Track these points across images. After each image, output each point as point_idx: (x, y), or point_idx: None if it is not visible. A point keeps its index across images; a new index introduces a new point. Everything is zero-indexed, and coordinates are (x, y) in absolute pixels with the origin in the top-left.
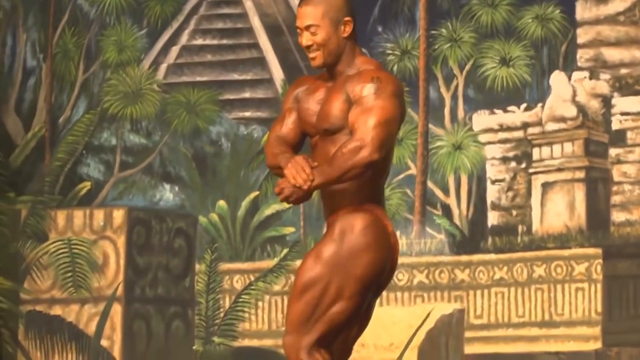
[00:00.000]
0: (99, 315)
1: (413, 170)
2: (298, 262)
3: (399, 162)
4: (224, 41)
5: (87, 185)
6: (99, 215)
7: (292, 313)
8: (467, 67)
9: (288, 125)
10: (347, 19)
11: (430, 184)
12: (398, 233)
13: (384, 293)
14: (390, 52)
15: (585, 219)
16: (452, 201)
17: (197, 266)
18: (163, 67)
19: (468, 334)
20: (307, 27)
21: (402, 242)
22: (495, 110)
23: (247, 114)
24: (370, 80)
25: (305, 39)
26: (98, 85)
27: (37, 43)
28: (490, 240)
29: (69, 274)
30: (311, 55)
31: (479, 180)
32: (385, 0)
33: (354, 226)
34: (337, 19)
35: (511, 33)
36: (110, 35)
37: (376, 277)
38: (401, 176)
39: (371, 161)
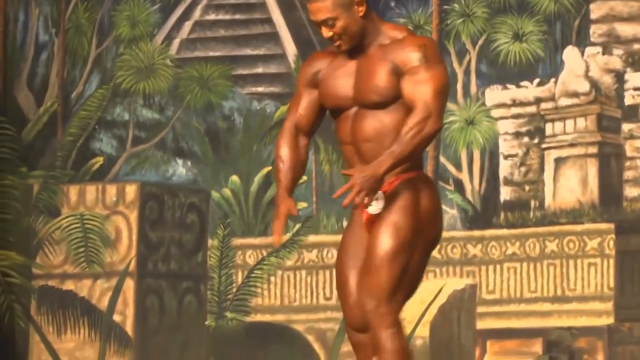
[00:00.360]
0: (112, 291)
1: None
2: (310, 237)
3: None
4: (237, 16)
5: (99, 160)
6: (112, 190)
7: (384, 280)
8: (480, 42)
9: (301, 112)
10: None
11: (442, 159)
12: None
13: None
14: None
15: (597, 194)
16: (464, 176)
17: (209, 241)
18: (176, 42)
19: (480, 309)
20: (323, 22)
21: None
22: (508, 86)
23: (260, 89)
24: (417, 48)
25: (325, 32)
26: (111, 60)
27: (50, 18)
28: (502, 215)
29: (82, 249)
30: (336, 43)
31: (491, 156)
32: None
33: (424, 192)
34: (348, 3)
35: (524, 8)
36: (123, 11)
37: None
38: None
39: (437, 130)
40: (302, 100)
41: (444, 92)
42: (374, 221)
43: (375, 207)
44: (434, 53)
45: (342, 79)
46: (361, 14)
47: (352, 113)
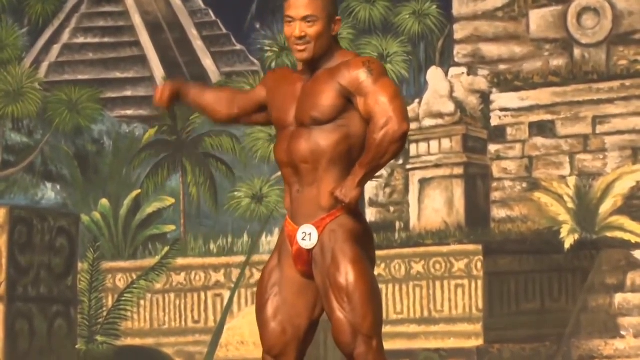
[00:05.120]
0: None
1: None
2: (179, 260)
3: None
4: (106, 39)
5: None
6: None
7: (371, 317)
8: None
9: (245, 94)
10: (338, 17)
11: None
12: (276, 230)
13: None
14: (268, 48)
15: (464, 216)
16: None
17: (79, 265)
18: (44, 66)
19: None
20: (304, 18)
21: None
22: None
23: (129, 112)
24: (362, 65)
25: (299, 30)
26: None
27: None
28: None
29: None
30: (300, 47)
31: None
32: None
33: (356, 220)
34: (332, 16)
35: (389, 29)
36: None
37: None
38: (279, 173)
39: (403, 132)
40: (253, 92)
41: (398, 95)
42: (302, 255)
43: (308, 242)
44: (377, 68)
45: (288, 96)
46: (334, 32)
47: (289, 132)
